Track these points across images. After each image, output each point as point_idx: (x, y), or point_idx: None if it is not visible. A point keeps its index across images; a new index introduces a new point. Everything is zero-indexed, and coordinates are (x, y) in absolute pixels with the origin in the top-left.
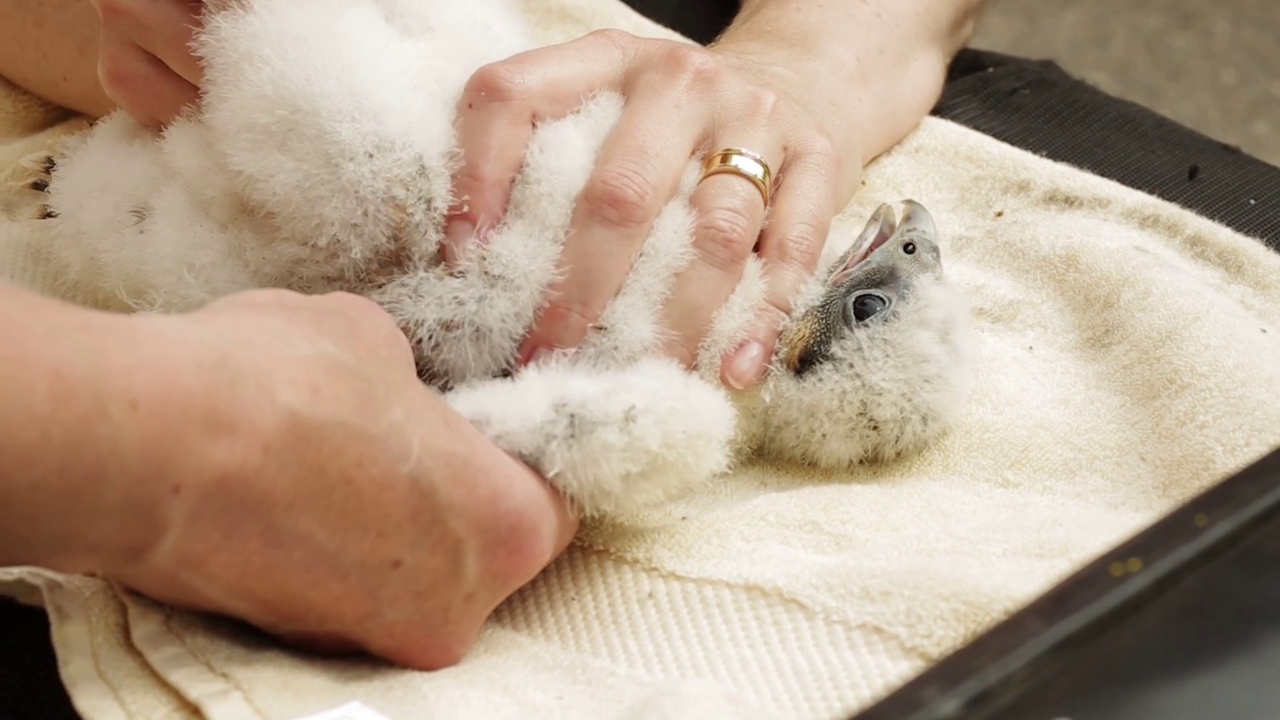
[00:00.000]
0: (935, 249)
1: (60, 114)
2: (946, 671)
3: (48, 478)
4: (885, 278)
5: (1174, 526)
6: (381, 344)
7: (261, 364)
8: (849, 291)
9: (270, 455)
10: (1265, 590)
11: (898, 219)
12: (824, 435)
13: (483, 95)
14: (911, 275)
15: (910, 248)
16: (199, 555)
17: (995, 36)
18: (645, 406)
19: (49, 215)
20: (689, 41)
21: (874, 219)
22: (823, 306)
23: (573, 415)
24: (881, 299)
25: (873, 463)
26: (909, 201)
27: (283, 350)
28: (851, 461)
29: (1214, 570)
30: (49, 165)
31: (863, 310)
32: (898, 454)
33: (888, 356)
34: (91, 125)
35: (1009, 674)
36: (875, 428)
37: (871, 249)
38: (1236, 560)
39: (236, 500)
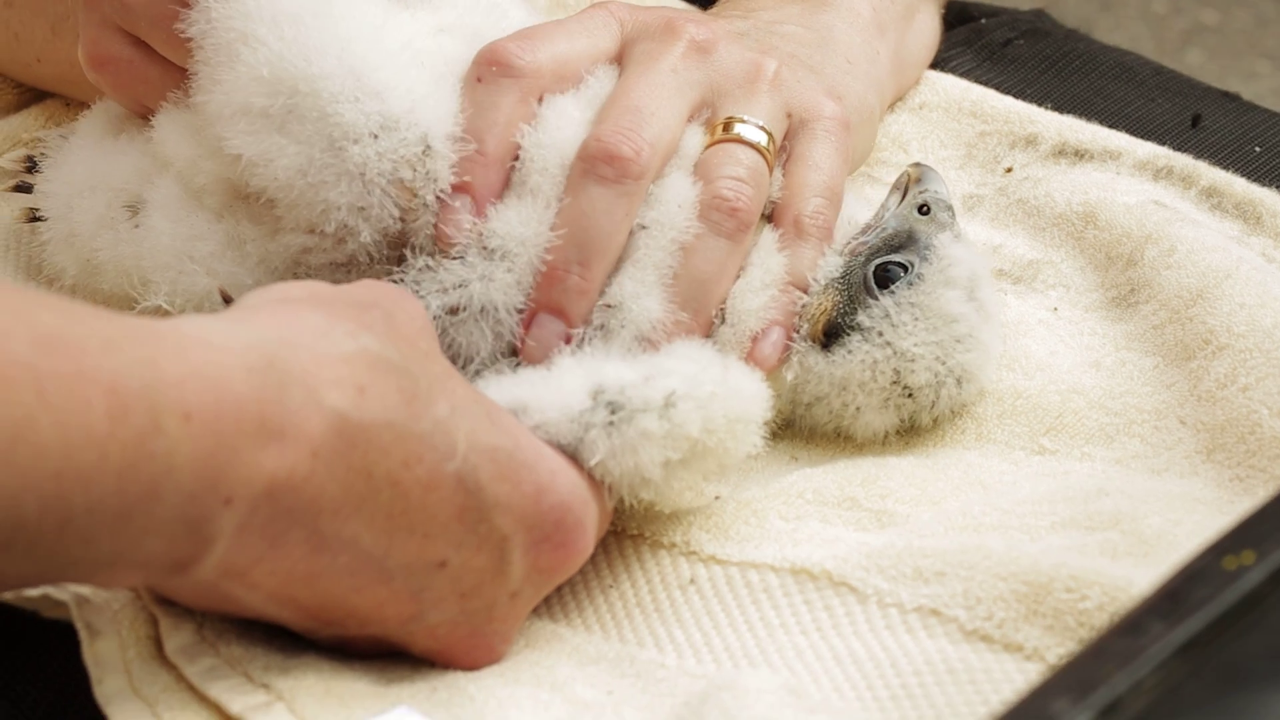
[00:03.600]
0: (950, 207)
1: (33, 96)
2: (1074, 681)
3: (106, 499)
4: (903, 242)
5: None
6: (419, 335)
7: (307, 365)
8: (868, 260)
9: (319, 460)
10: None
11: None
12: (858, 408)
13: (494, 70)
14: (930, 236)
15: (925, 209)
16: (244, 565)
17: None
18: (685, 392)
19: (36, 219)
20: (690, 9)
21: (896, 187)
22: (843, 277)
23: (611, 403)
24: (902, 264)
25: (908, 433)
26: (916, 165)
27: (326, 349)
28: (887, 433)
29: None
30: (30, 165)
31: (885, 277)
32: (934, 420)
33: (917, 320)
34: (67, 107)
35: (1138, 680)
36: (910, 395)
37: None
38: None
39: (283, 508)
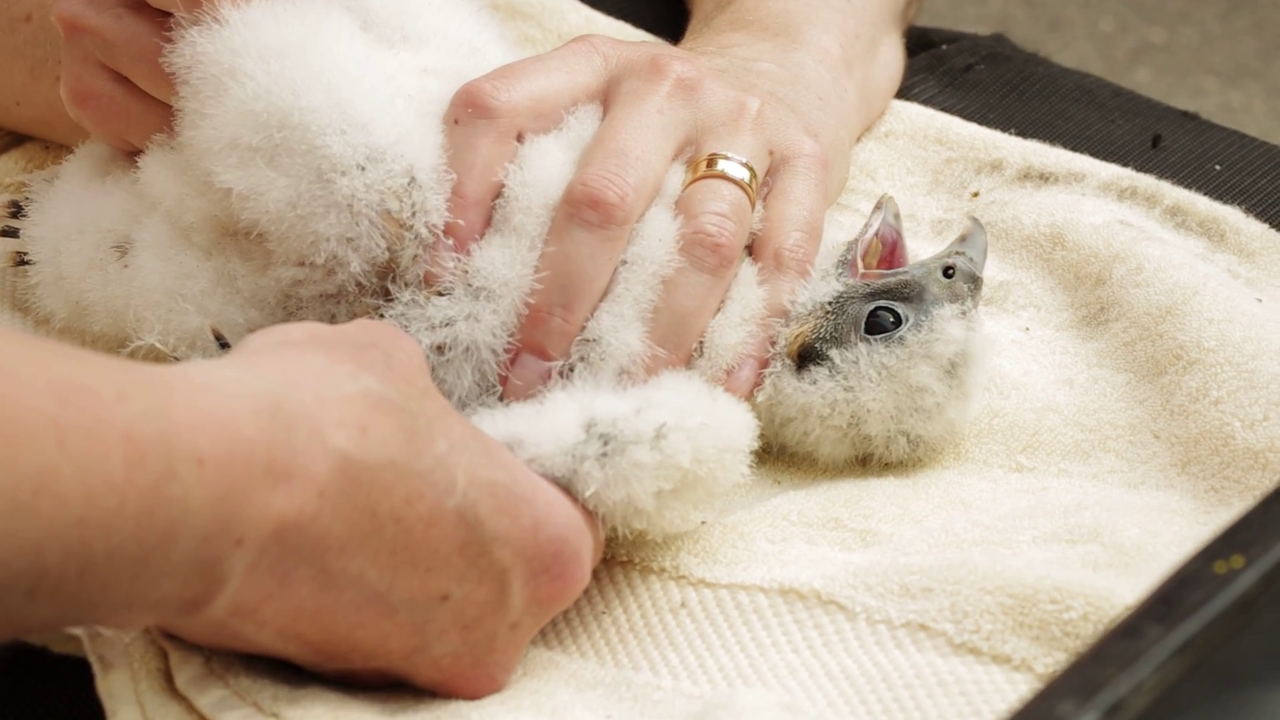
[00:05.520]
0: (975, 279)
1: (13, 139)
2: (1077, 685)
3: (125, 544)
4: (913, 295)
5: (1272, 518)
6: (416, 374)
7: (311, 407)
8: (869, 298)
9: (325, 500)
10: None
11: (896, 220)
12: (817, 437)
13: (469, 112)
14: (937, 302)
15: (950, 271)
16: (253, 604)
17: None
18: (675, 423)
19: (23, 263)
20: (671, 48)
21: (878, 208)
22: (836, 301)
23: (604, 435)
24: (896, 316)
25: (864, 464)
26: (972, 219)
27: (329, 391)
28: (849, 460)
29: None
30: (15, 209)
31: (875, 323)
32: (885, 465)
33: (881, 381)
34: (47, 150)
35: (1138, 682)
36: (866, 437)
37: (877, 236)
38: None
39: (291, 548)
